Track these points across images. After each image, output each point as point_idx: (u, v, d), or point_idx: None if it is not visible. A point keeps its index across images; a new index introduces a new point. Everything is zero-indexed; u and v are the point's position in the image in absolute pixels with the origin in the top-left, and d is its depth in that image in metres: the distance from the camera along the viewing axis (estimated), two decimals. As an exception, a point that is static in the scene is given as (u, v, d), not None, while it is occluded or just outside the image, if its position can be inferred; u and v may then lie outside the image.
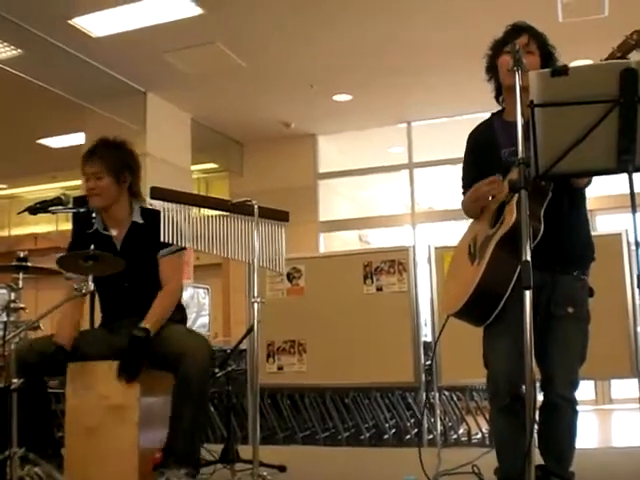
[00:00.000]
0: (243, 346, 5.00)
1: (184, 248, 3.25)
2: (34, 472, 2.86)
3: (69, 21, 6.37)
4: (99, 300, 3.48)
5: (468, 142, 2.92)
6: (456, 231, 2.90)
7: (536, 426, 2.49)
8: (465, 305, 2.60)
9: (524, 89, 2.22)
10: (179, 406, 3.00)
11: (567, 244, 2.64)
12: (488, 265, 2.54)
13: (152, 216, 3.24)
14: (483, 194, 2.69)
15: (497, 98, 2.86)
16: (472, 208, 2.80)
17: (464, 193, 2.90)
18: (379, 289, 5.14)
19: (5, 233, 12.93)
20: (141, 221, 3.31)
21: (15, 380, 2.82)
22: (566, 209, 2.62)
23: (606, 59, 2.28)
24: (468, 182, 2.88)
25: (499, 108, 2.88)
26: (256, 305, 3.02)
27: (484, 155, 2.81)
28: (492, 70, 2.80)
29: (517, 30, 2.69)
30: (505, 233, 2.50)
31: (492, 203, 2.69)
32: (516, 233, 2.33)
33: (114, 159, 3.30)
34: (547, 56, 2.68)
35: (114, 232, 3.32)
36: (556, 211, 2.52)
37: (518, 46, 2.34)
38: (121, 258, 3.01)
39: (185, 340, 3.10)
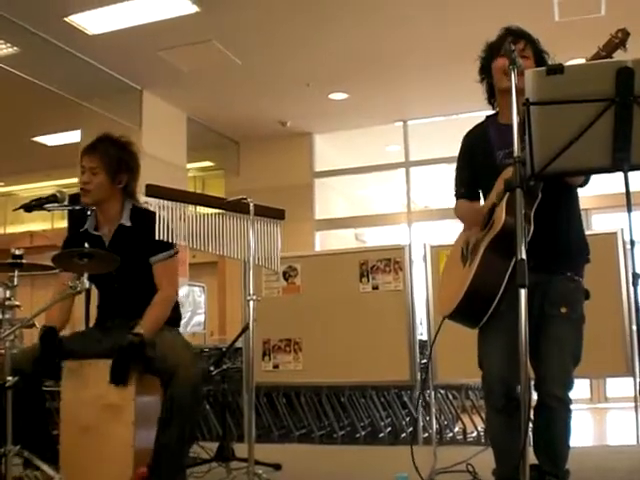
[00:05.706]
0: (239, 344, 5.00)
1: (177, 252, 3.23)
2: (34, 475, 2.86)
3: (65, 19, 6.36)
4: (97, 299, 3.46)
5: (462, 145, 2.92)
6: (452, 230, 2.91)
7: (531, 426, 2.50)
8: (458, 307, 2.63)
9: (520, 91, 2.20)
10: (165, 426, 2.91)
11: (560, 244, 2.64)
12: (479, 268, 2.57)
13: (141, 217, 3.21)
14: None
15: (489, 100, 2.86)
16: (465, 221, 2.84)
17: (456, 195, 2.90)
18: (375, 288, 5.13)
19: (0, 231, 12.91)
20: (129, 224, 3.25)
21: (10, 378, 2.81)
22: (558, 209, 2.62)
23: (591, 58, 2.28)
24: (461, 185, 2.89)
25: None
26: (252, 303, 3.01)
27: (479, 157, 2.81)
28: (485, 72, 2.80)
29: (512, 35, 2.67)
30: (494, 236, 2.51)
31: (484, 206, 2.70)
32: (505, 235, 2.37)
33: (114, 158, 3.24)
34: (541, 62, 2.67)
35: (105, 231, 3.29)
36: (549, 211, 2.52)
37: (513, 46, 2.33)
38: (116, 255, 2.98)
39: (176, 359, 2.98)
